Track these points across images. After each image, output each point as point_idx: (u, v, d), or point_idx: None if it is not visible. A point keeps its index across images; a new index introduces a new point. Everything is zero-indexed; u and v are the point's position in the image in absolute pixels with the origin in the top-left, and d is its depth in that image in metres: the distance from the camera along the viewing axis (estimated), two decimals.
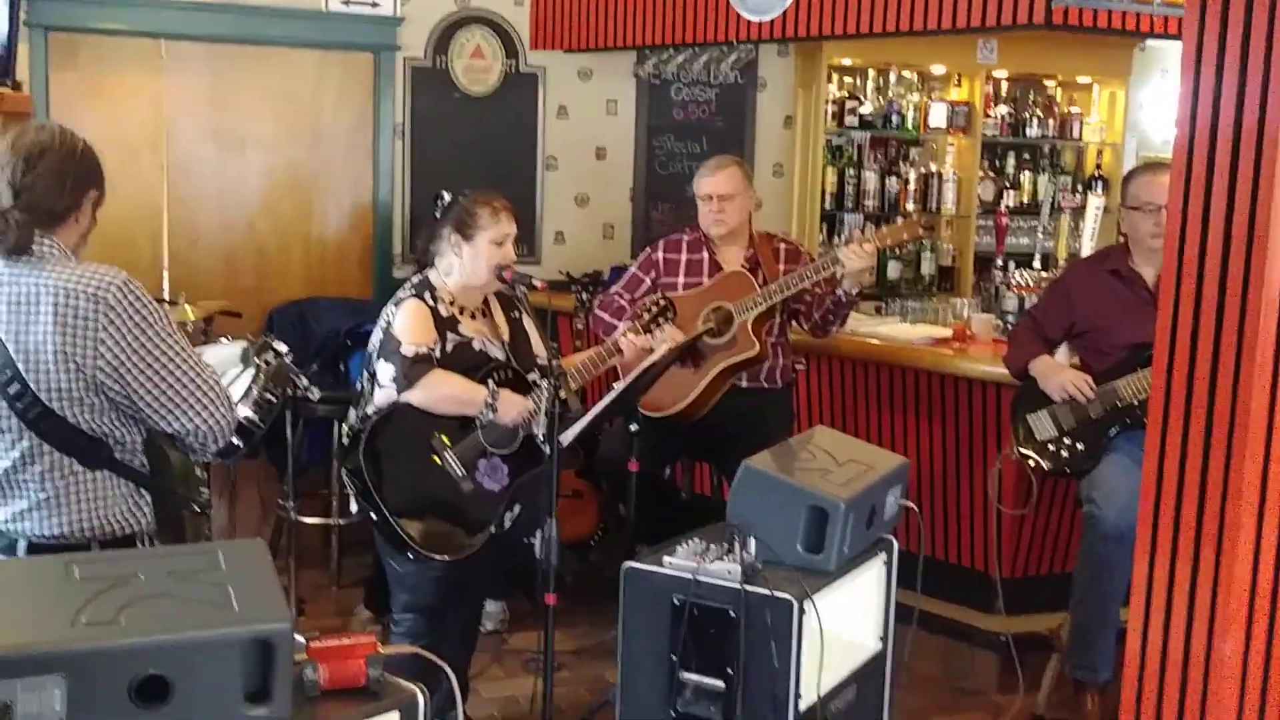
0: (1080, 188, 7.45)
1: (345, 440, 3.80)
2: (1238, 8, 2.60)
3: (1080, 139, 7.64)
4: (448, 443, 3.63)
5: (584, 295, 5.44)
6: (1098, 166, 7.66)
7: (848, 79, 7.17)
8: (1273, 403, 2.59)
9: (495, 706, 4.37)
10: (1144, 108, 7.72)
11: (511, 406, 3.66)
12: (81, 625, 1.73)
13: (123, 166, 5.80)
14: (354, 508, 3.76)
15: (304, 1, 6.10)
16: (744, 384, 4.56)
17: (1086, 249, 5.40)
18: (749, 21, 5.41)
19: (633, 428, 4.30)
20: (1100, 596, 4.01)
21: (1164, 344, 2.78)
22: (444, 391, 3.62)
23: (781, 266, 4.54)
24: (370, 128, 6.32)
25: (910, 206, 7.12)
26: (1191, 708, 2.68)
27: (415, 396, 3.60)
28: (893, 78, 7.19)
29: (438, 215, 3.75)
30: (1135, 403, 3.95)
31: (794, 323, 4.67)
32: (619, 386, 3.85)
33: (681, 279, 4.58)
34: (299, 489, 5.32)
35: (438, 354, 3.64)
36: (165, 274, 5.96)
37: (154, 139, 5.99)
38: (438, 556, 3.59)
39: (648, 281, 4.63)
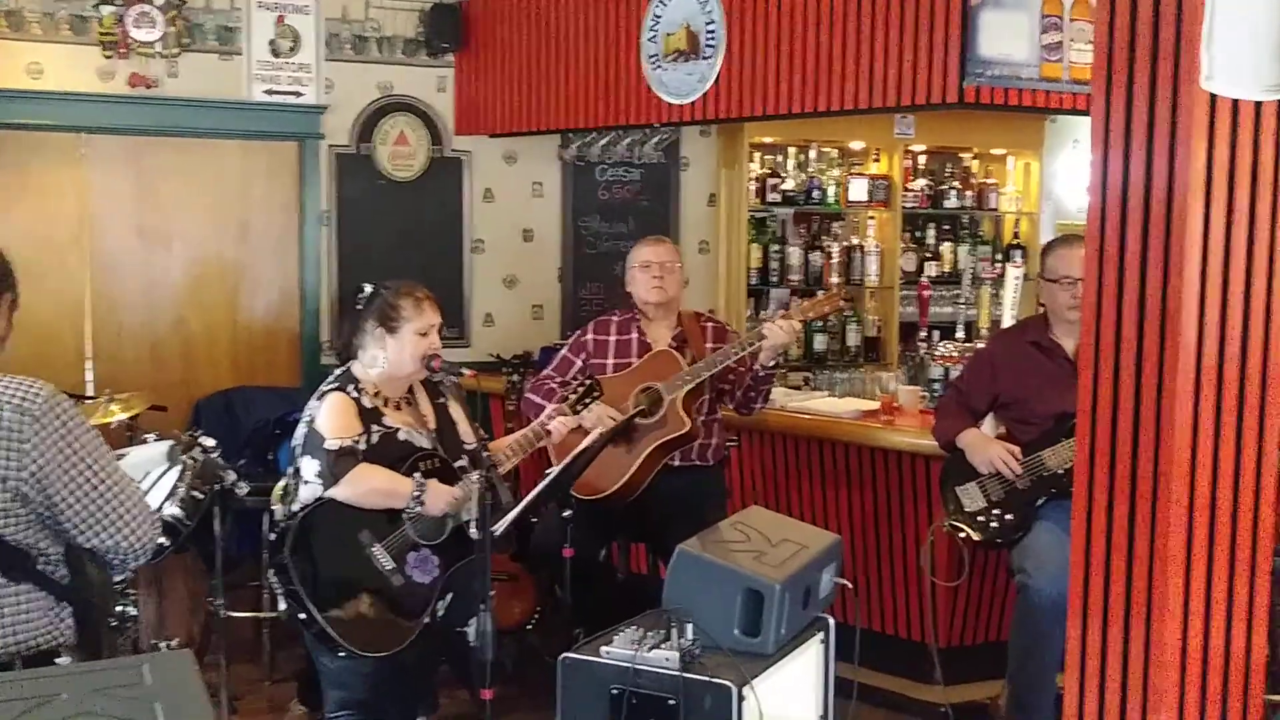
0: (999, 256, 7.58)
1: (272, 537, 3.74)
2: (1142, 86, 2.68)
3: (997, 209, 7.80)
4: (376, 537, 3.60)
5: (514, 377, 5.43)
6: (1015, 235, 7.81)
7: (769, 156, 7.28)
8: (1193, 470, 2.64)
9: None
10: (1058, 177, 7.89)
11: (439, 497, 3.63)
12: None
13: (46, 262, 5.74)
14: (282, 605, 3.69)
15: (227, 92, 6.10)
16: (677, 463, 4.56)
17: (1007, 318, 5.48)
18: (670, 104, 5.47)
19: (566, 514, 4.28)
20: (1036, 665, 4.02)
21: (1085, 414, 2.83)
22: (370, 485, 3.59)
23: (709, 345, 4.58)
24: (296, 215, 6.31)
25: (834, 279, 7.21)
26: None
27: (341, 492, 3.56)
28: (813, 154, 7.31)
29: (359, 308, 3.74)
30: (1061, 472, 3.99)
31: (720, 402, 4.70)
32: (551, 473, 3.84)
33: (611, 360, 4.60)
34: (231, 581, 5.21)
35: (362, 446, 3.61)
36: (89, 369, 5.88)
37: (77, 234, 5.93)
38: (370, 654, 3.54)
39: (578, 363, 4.65)
